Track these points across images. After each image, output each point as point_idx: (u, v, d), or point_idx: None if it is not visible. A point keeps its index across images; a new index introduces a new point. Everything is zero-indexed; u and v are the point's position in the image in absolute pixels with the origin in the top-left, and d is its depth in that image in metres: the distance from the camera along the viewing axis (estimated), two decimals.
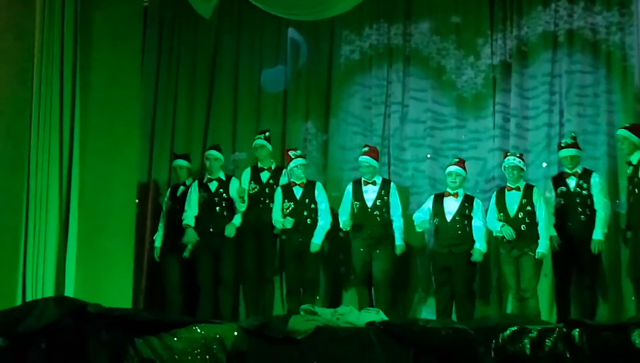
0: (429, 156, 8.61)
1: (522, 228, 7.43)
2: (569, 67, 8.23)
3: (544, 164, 7.99)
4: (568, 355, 5.65)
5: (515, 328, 5.83)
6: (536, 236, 7.44)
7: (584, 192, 7.45)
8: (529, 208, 7.45)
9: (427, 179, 8.59)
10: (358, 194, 8.00)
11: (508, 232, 7.44)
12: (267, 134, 8.42)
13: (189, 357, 6.31)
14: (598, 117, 8.11)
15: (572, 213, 7.45)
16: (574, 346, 5.65)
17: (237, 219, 8.13)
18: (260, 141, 8.36)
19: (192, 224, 8.08)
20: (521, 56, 8.46)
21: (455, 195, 7.72)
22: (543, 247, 7.40)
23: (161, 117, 9.18)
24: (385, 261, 7.91)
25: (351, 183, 8.15)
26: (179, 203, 8.30)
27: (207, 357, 6.34)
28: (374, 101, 8.95)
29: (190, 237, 8.06)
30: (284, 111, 9.17)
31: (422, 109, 8.75)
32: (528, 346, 5.74)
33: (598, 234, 7.35)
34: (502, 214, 7.55)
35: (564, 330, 5.74)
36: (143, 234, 8.57)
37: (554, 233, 7.47)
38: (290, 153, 8.18)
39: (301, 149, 8.52)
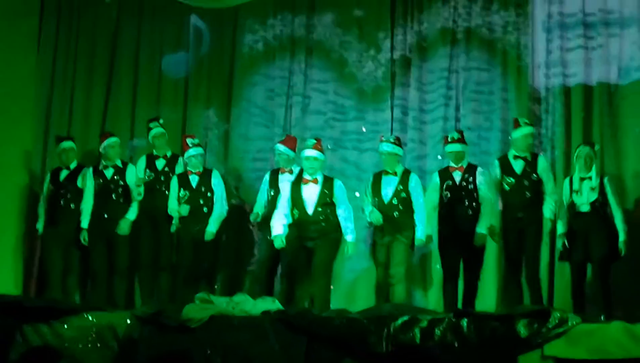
0: (329, 147, 8.66)
1: (395, 214, 7.36)
2: (466, 64, 8.39)
3: (439, 157, 8.12)
4: (456, 345, 5.80)
5: (407, 317, 5.95)
6: (409, 223, 7.34)
7: (470, 186, 7.54)
8: (404, 194, 7.37)
9: (326, 170, 8.62)
10: (274, 183, 7.90)
11: (376, 218, 7.34)
12: (160, 121, 8.31)
13: (80, 345, 6.22)
14: (492, 114, 8.28)
15: (458, 206, 7.47)
16: (462, 335, 5.80)
17: (132, 213, 8.01)
18: (160, 129, 8.23)
19: (87, 217, 7.95)
20: (420, 51, 8.59)
21: (315, 181, 7.38)
22: (421, 233, 7.34)
23: (58, 101, 8.97)
24: (293, 251, 7.85)
25: (269, 171, 8.08)
26: (62, 187, 8.09)
27: (99, 344, 6.25)
28: (277, 91, 8.95)
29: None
30: (185, 98, 9.08)
31: (323, 100, 8.81)
32: (418, 335, 5.85)
33: (482, 227, 7.41)
34: (376, 199, 7.43)
35: (453, 319, 5.87)
36: (35, 219, 8.32)
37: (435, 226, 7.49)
38: (188, 141, 8.09)
39: (202, 138, 8.45)
